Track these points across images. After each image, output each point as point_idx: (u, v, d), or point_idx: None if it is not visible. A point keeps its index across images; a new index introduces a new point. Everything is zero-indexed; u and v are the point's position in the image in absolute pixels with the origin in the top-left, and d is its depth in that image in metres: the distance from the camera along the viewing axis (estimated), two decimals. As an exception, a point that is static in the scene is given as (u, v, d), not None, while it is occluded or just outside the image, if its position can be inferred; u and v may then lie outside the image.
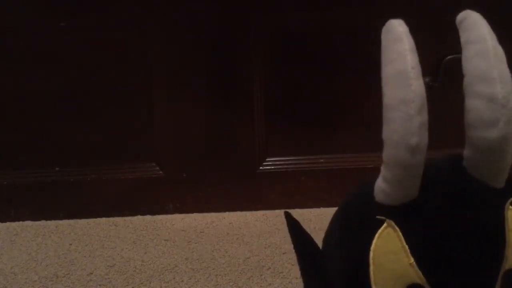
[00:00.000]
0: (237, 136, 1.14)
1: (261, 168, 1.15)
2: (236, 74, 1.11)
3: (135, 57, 1.10)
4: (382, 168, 0.49)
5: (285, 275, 0.92)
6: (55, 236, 1.08)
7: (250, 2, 1.07)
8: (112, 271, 0.95)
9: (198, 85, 1.11)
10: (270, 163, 1.16)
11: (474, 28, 0.48)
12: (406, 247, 0.48)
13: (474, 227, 0.48)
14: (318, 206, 1.14)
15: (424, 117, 0.46)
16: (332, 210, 0.59)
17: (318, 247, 0.60)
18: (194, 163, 1.15)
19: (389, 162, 0.48)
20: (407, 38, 0.47)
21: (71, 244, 1.05)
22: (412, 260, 0.48)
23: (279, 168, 1.15)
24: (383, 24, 0.50)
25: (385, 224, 0.49)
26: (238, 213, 1.15)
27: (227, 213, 1.15)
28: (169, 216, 1.15)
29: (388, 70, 0.48)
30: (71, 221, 1.14)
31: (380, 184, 0.50)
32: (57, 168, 1.16)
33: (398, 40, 0.47)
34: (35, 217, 1.15)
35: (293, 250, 0.63)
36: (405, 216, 0.49)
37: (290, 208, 1.12)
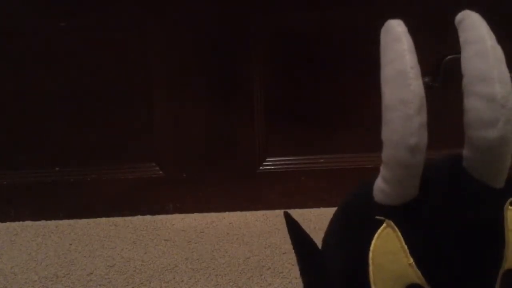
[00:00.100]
0: (237, 136, 1.14)
1: (261, 168, 1.15)
2: (236, 74, 1.11)
3: (135, 57, 1.10)
4: (382, 168, 0.49)
5: (285, 275, 0.92)
6: (55, 236, 1.08)
7: (250, 2, 1.07)
8: (112, 271, 0.95)
9: (198, 85, 1.11)
10: (270, 163, 1.16)
11: (473, 28, 0.48)
12: (406, 247, 0.48)
13: (474, 227, 0.48)
14: (318, 206, 1.14)
15: (423, 117, 0.46)
16: (332, 210, 0.59)
17: (317, 247, 0.60)
18: (194, 163, 1.15)
19: (389, 162, 0.48)
20: (406, 38, 0.47)
21: (71, 244, 1.05)
22: (411, 260, 0.48)
23: (279, 168, 1.15)
24: (383, 24, 0.50)
25: (384, 224, 0.49)
26: (238, 213, 1.15)
27: (227, 213, 1.15)
28: (169, 216, 1.15)
29: (387, 70, 0.48)
30: (71, 221, 1.14)
31: (379, 184, 0.50)
32: (57, 168, 1.16)
33: (397, 40, 0.47)
34: (35, 217, 1.15)
35: (293, 250, 0.63)
36: (404, 216, 0.49)
37: (290, 208, 1.12)
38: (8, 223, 1.14)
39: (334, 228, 0.58)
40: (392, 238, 0.49)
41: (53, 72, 1.10)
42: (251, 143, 1.14)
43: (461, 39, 0.49)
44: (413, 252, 0.48)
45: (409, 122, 0.46)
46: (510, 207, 0.49)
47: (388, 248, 0.49)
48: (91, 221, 1.13)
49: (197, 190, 1.16)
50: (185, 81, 1.11)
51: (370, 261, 0.50)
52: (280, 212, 1.01)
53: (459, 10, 0.51)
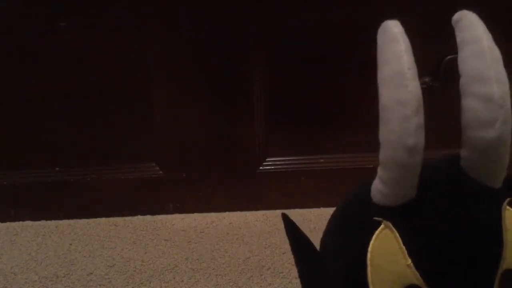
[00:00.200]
0: (237, 136, 1.14)
1: (261, 168, 1.15)
2: (236, 74, 1.11)
3: (135, 57, 1.10)
4: (379, 169, 0.49)
5: (285, 275, 0.92)
6: (55, 236, 1.08)
7: (250, 2, 1.07)
8: (112, 271, 0.95)
9: (198, 85, 1.11)
10: (270, 163, 1.16)
11: (470, 28, 0.48)
12: (404, 248, 0.48)
13: (472, 227, 0.48)
14: (318, 206, 1.14)
15: (421, 117, 0.46)
16: (332, 210, 0.59)
17: (315, 249, 0.60)
18: (194, 163, 1.15)
19: (386, 163, 0.48)
20: (403, 39, 0.47)
21: (71, 244, 1.05)
22: (409, 261, 0.48)
23: (279, 168, 1.15)
24: (383, 24, 0.50)
25: (382, 225, 0.49)
26: (238, 213, 1.15)
27: (227, 213, 1.15)
28: (169, 216, 1.15)
29: (385, 71, 0.47)
30: (71, 221, 1.14)
31: (377, 185, 0.50)
32: (57, 168, 1.16)
33: (394, 41, 0.47)
34: (35, 217, 1.15)
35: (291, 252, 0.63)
36: (402, 217, 0.49)
37: (290, 208, 1.12)
38: (8, 223, 1.14)
39: (332, 229, 0.57)
40: (390, 239, 0.49)
41: (53, 72, 1.10)
42: (251, 143, 1.14)
43: (458, 39, 0.49)
44: (411, 253, 0.48)
45: (407, 123, 0.46)
46: (508, 207, 0.49)
47: (386, 249, 0.49)
48: (91, 221, 1.13)
49: (197, 190, 1.16)
50: (185, 81, 1.11)
51: (368, 262, 0.49)
52: (280, 212, 1.01)
53: (459, 10, 0.51)
